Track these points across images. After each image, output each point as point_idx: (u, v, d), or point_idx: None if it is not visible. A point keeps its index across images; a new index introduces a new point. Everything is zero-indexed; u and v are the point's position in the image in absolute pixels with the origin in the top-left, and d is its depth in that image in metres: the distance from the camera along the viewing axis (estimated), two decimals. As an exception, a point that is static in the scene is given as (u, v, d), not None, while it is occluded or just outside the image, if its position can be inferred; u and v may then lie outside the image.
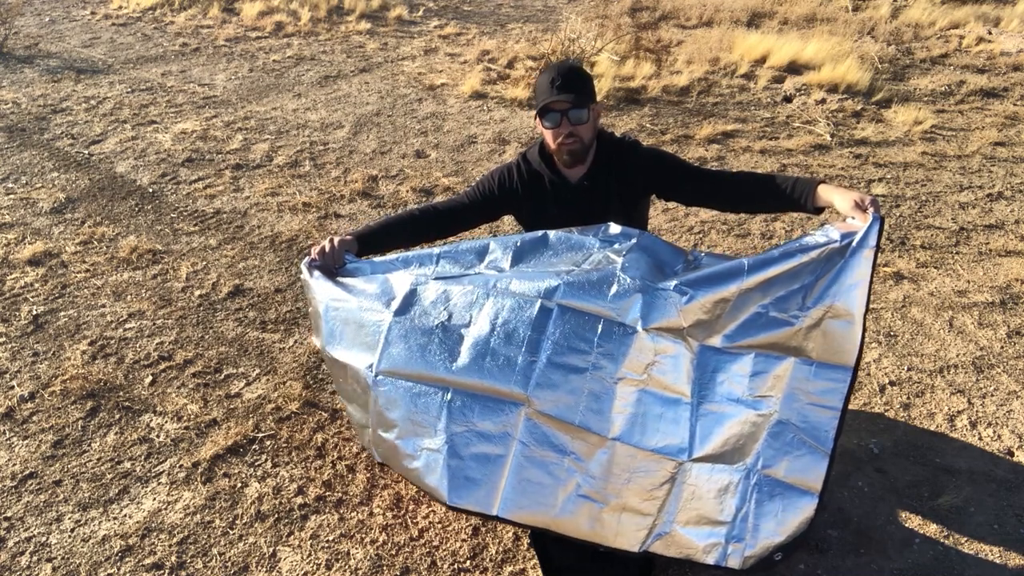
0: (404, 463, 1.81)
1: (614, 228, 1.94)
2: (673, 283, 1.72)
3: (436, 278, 1.90)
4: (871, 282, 1.63)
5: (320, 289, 1.97)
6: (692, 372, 1.69)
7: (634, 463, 1.68)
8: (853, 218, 1.71)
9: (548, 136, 2.05)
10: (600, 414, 1.70)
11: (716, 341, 1.70)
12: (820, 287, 1.64)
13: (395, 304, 1.87)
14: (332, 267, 2.01)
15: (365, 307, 1.90)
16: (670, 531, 1.68)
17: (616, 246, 1.88)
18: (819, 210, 1.92)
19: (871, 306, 3.07)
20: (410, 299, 1.88)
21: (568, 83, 1.98)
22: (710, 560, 1.66)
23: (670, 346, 1.70)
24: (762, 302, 1.68)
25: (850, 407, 2.39)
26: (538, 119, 2.05)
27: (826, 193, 1.85)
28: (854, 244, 1.63)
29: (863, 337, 1.63)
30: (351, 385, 1.94)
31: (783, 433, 1.64)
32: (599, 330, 1.73)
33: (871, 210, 1.68)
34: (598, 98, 2.10)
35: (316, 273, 1.99)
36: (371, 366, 1.85)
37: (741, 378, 1.67)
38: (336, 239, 2.01)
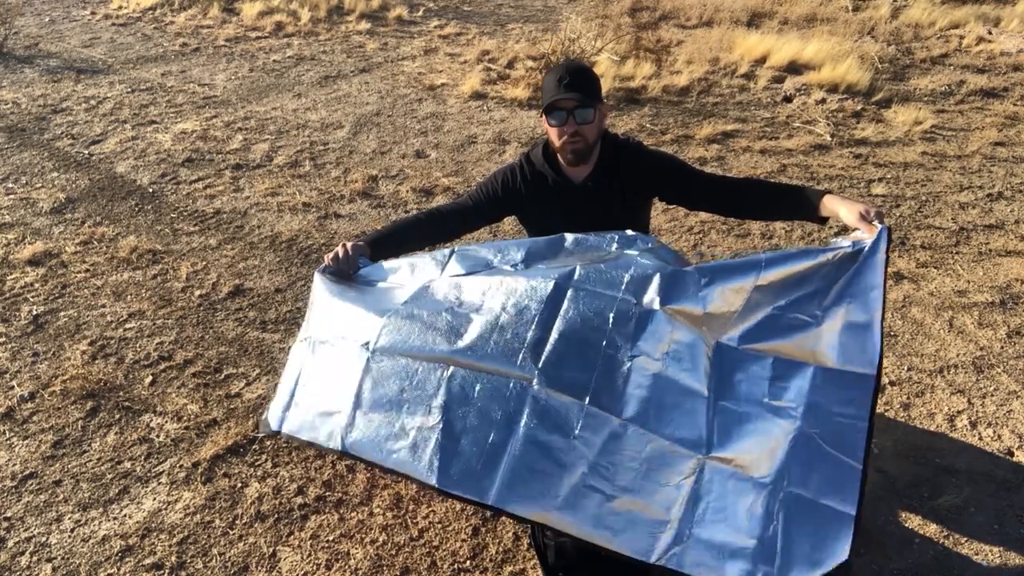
0: (388, 445, 1.69)
1: (631, 233, 1.93)
2: (692, 267, 1.71)
3: (450, 276, 1.88)
4: (885, 289, 1.61)
5: (331, 286, 1.95)
6: (709, 367, 1.64)
7: (648, 451, 1.59)
8: (859, 229, 1.71)
9: (553, 134, 2.05)
10: (613, 392, 1.62)
11: (733, 340, 1.66)
12: (835, 291, 1.63)
13: (405, 297, 1.85)
14: (347, 272, 2.01)
15: (375, 299, 1.89)
16: (688, 541, 1.55)
17: (633, 246, 1.87)
18: (823, 220, 1.92)
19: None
20: (421, 293, 1.85)
21: (576, 82, 1.98)
22: None
23: (687, 335, 1.65)
24: (777, 303, 1.65)
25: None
26: (544, 117, 2.05)
27: (832, 204, 1.85)
28: (865, 251, 1.62)
29: (882, 345, 1.60)
30: (332, 365, 1.85)
31: (808, 446, 1.56)
32: (615, 309, 1.68)
33: (876, 221, 1.68)
34: (602, 99, 2.10)
35: (330, 277, 1.99)
36: (367, 344, 1.78)
37: (761, 381, 1.62)
38: (349, 244, 2.01)
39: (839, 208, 1.81)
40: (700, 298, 1.67)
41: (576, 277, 1.73)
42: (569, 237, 1.94)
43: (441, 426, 1.65)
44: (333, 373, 1.85)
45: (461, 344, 1.71)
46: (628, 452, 1.60)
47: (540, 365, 1.65)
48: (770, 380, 1.62)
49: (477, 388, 1.67)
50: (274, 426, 1.91)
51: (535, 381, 1.64)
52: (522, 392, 1.64)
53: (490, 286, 1.79)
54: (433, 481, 1.62)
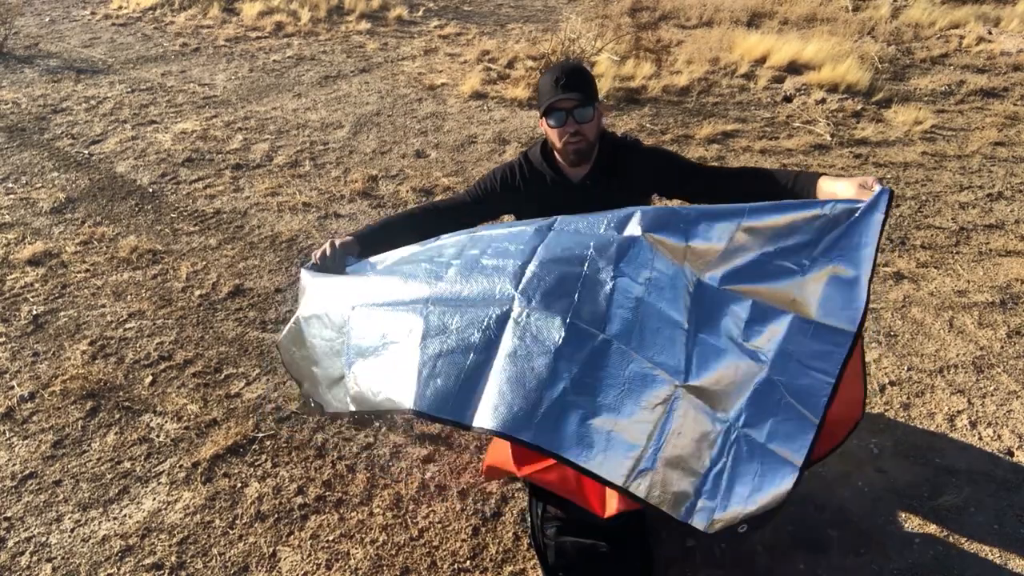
0: (373, 388, 1.66)
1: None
2: (676, 205, 1.73)
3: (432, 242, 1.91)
4: (877, 249, 1.58)
5: (316, 276, 1.96)
6: (690, 302, 1.63)
7: (630, 370, 1.56)
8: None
9: (553, 136, 2.05)
10: (596, 309, 1.60)
11: (715, 280, 1.65)
12: (826, 243, 1.61)
13: (388, 263, 1.87)
14: (334, 272, 2.01)
15: (356, 274, 1.91)
16: (654, 467, 1.52)
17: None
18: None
19: (871, 304, 3.06)
20: (403, 258, 1.87)
21: (573, 82, 1.99)
22: (678, 513, 1.52)
23: (668, 267, 1.65)
24: (766, 249, 1.64)
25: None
26: (543, 119, 2.05)
27: (829, 184, 1.85)
28: (863, 207, 1.60)
29: (867, 303, 1.57)
30: (324, 337, 1.85)
31: (771, 393, 1.55)
32: (595, 239, 1.68)
33: (877, 187, 1.67)
34: (598, 98, 2.10)
35: (316, 273, 1.99)
36: (350, 305, 1.79)
37: (738, 320, 1.61)
38: (337, 241, 2.00)
39: (836, 187, 1.80)
40: (682, 231, 1.66)
41: (557, 223, 1.77)
42: (556, 218, 1.93)
43: (418, 351, 1.60)
44: (325, 344, 1.84)
45: (440, 286, 1.69)
46: (610, 369, 1.56)
47: (520, 289, 1.62)
48: (747, 321, 1.61)
49: (455, 318, 1.63)
50: (329, 408, 1.89)
51: (515, 304, 1.61)
52: (503, 316, 1.60)
53: (471, 236, 1.82)
54: (409, 404, 1.56)
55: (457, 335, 1.61)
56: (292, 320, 1.96)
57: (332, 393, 1.84)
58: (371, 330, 1.73)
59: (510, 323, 1.59)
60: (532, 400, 1.53)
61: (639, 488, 1.53)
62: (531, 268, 1.65)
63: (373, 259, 1.95)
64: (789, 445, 1.51)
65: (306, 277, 1.98)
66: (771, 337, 1.59)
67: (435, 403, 1.54)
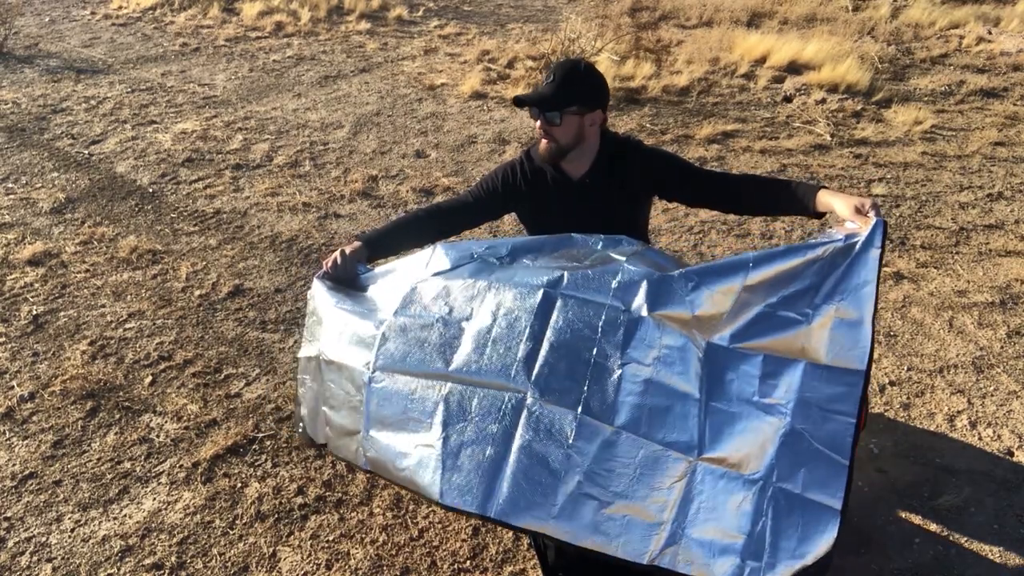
0: (396, 463, 1.76)
1: (616, 237, 1.96)
2: (678, 272, 1.73)
3: (435, 274, 1.90)
4: (878, 284, 1.61)
5: (329, 295, 1.98)
6: (700, 369, 1.66)
7: (641, 456, 1.63)
8: (853, 222, 1.71)
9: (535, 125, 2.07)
10: (604, 401, 1.66)
11: (724, 340, 1.67)
12: (827, 287, 1.63)
13: (395, 304, 1.88)
14: (345, 280, 2.02)
15: (368, 309, 1.91)
16: (681, 542, 1.59)
17: (619, 248, 1.89)
18: (820, 215, 1.93)
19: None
20: (410, 297, 1.87)
21: (557, 82, 1.97)
22: None
23: (677, 339, 1.68)
24: (769, 300, 1.66)
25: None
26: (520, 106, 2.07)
27: (827, 198, 1.85)
28: (859, 245, 1.62)
29: (872, 341, 1.60)
30: (343, 388, 1.91)
31: (798, 443, 1.58)
32: (603, 318, 1.71)
33: (872, 214, 1.68)
34: (590, 104, 2.04)
35: (328, 283, 2.01)
36: (368, 364, 1.83)
37: (751, 379, 1.64)
38: (347, 249, 2.01)
39: (834, 202, 1.81)
40: (688, 302, 1.69)
41: (564, 284, 1.77)
42: (554, 236, 1.98)
43: (441, 442, 1.71)
44: (344, 395, 1.90)
45: (456, 360, 1.76)
46: (621, 459, 1.64)
47: (533, 378, 1.69)
48: (760, 378, 1.63)
49: (474, 403, 1.72)
50: (319, 439, 2.00)
51: (529, 394, 1.69)
52: (517, 405, 1.69)
53: (478, 292, 1.82)
54: (436, 496, 1.67)
55: (476, 425, 1.70)
56: (313, 352, 2.00)
57: (341, 441, 1.91)
58: (391, 401, 1.80)
59: (524, 412, 1.68)
60: (548, 494, 1.63)
61: (667, 562, 1.58)
62: (542, 354, 1.71)
63: (382, 291, 1.96)
64: (825, 491, 1.54)
65: (320, 292, 2.00)
66: (787, 388, 1.62)
67: (459, 497, 1.66)
